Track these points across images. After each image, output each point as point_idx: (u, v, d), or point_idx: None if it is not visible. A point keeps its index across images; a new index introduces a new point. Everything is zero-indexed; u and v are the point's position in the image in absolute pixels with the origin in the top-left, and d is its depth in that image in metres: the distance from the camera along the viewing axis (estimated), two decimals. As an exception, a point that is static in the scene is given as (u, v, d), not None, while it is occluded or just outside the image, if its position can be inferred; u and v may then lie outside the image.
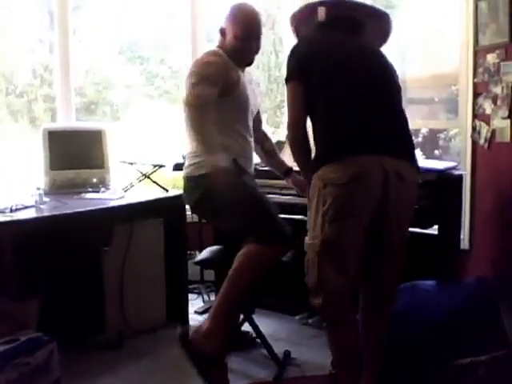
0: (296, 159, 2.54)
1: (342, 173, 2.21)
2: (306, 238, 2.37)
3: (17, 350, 2.44)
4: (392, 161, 2.26)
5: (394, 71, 2.53)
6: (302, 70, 2.41)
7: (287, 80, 2.47)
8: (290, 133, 2.47)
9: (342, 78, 2.35)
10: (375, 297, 2.49)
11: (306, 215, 2.45)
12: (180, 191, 3.58)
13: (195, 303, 3.91)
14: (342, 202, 2.23)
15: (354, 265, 2.31)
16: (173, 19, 6.75)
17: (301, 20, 2.73)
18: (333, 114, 2.33)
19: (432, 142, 5.45)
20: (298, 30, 2.79)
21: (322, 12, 2.58)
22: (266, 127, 3.49)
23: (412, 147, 2.43)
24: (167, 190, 3.57)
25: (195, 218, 3.99)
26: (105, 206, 3.12)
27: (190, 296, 3.85)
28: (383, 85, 2.41)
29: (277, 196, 3.39)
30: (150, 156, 4.07)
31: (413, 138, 2.52)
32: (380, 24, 2.69)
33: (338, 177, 2.21)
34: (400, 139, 2.38)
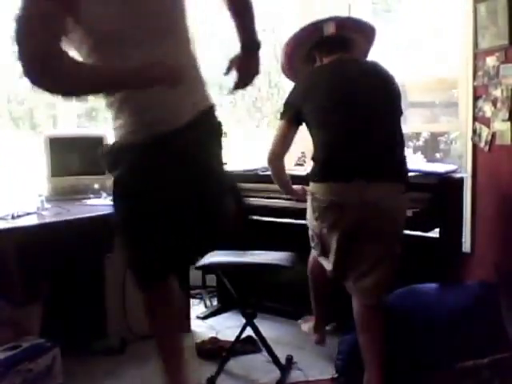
0: (276, 183, 2.90)
1: (324, 197, 2.47)
2: None
3: (19, 356, 2.45)
4: (372, 187, 2.42)
5: (391, 84, 2.64)
6: (294, 111, 2.66)
7: (280, 118, 2.74)
8: (270, 167, 2.81)
9: (331, 109, 2.54)
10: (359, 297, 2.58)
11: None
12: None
13: (197, 308, 3.91)
14: (324, 218, 2.50)
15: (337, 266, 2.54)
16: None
17: (291, 58, 2.87)
18: (322, 138, 2.56)
19: (433, 145, 5.45)
20: (292, 73, 2.95)
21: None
22: (267, 131, 3.47)
23: (399, 168, 2.55)
24: (168, 196, 3.56)
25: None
26: (106, 212, 3.12)
27: (192, 301, 3.85)
28: (368, 110, 2.52)
29: (280, 201, 3.35)
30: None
31: (405, 156, 2.65)
32: (366, 37, 2.87)
33: (320, 199, 2.49)
34: (384, 163, 2.49)
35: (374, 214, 2.42)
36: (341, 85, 2.59)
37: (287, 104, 2.72)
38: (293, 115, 2.67)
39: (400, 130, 2.61)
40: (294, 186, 2.96)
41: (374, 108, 2.55)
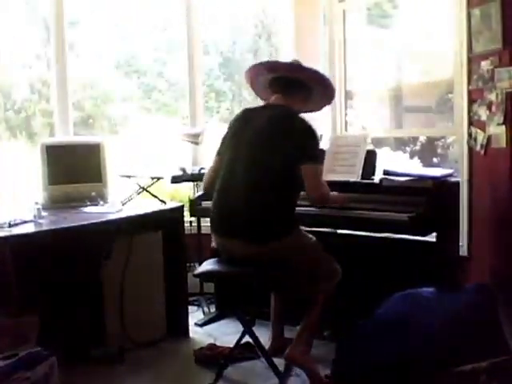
0: None
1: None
2: None
3: (16, 364, 2.44)
4: (231, 243, 2.81)
5: (293, 137, 2.81)
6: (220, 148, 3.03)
7: None
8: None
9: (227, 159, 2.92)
10: None
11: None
12: (178, 203, 3.61)
13: (195, 315, 3.90)
14: None
15: None
16: (169, 32, 6.79)
17: (252, 84, 3.19)
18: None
19: (430, 149, 5.46)
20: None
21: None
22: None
23: (259, 225, 2.75)
24: (165, 203, 3.57)
25: (194, 230, 4.00)
26: (103, 220, 3.13)
27: (190, 308, 3.84)
28: (249, 170, 2.80)
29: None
30: (148, 169, 4.08)
31: (273, 216, 2.79)
32: (324, 89, 3.06)
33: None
34: (244, 221, 2.76)
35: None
36: (238, 133, 2.95)
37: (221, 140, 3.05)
38: (219, 150, 3.04)
39: (288, 187, 2.80)
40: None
41: (251, 164, 2.80)
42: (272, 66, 3.05)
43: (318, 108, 3.28)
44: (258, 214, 2.75)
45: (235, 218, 2.78)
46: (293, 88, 2.98)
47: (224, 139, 3.02)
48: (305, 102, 3.04)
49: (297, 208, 2.91)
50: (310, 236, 2.99)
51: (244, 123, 2.96)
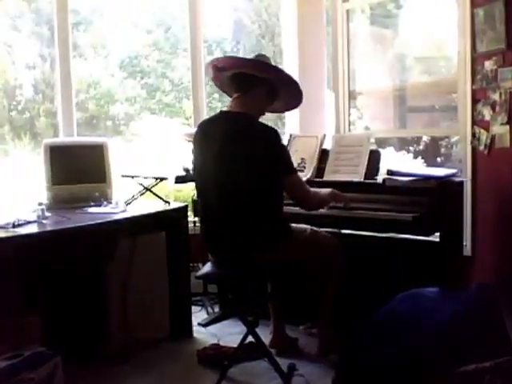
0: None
1: None
2: None
3: (21, 365, 2.44)
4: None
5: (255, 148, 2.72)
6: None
7: None
8: None
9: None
10: None
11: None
12: (182, 203, 3.61)
13: (199, 315, 3.90)
14: None
15: None
16: (172, 33, 6.80)
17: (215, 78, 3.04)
18: None
19: (434, 149, 5.46)
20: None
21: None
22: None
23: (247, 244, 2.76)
24: (169, 203, 3.58)
25: (197, 230, 4.00)
26: (107, 220, 3.13)
27: (194, 308, 3.84)
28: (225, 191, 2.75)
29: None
30: (151, 169, 4.08)
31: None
32: (293, 90, 2.93)
33: None
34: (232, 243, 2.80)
35: None
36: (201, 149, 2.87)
37: None
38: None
39: (266, 200, 2.77)
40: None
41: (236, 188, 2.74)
42: (232, 63, 2.89)
43: (284, 109, 3.25)
44: (241, 234, 2.76)
45: (224, 242, 2.83)
46: (253, 85, 2.83)
47: (193, 161, 3.00)
48: (267, 101, 2.91)
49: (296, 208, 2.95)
50: (304, 228, 3.02)
51: (203, 140, 2.86)
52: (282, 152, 2.80)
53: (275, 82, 2.87)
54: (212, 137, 2.80)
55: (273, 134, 2.75)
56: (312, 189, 2.93)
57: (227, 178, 2.74)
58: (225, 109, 2.97)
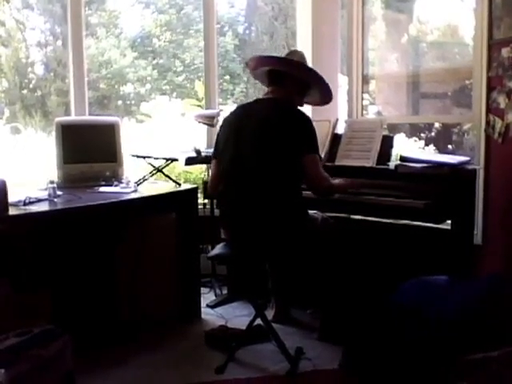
0: None
1: None
2: None
3: (30, 341, 2.45)
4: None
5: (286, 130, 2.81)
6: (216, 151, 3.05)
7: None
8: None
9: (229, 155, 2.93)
10: None
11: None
12: (192, 185, 3.60)
13: (207, 297, 3.92)
14: None
15: None
16: (185, 14, 6.75)
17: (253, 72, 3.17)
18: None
19: (445, 136, 5.42)
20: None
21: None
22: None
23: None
24: (180, 184, 3.58)
25: (207, 212, 4.01)
26: (118, 200, 3.13)
27: (202, 290, 3.86)
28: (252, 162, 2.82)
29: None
30: (162, 150, 4.08)
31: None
32: (324, 89, 3.10)
33: None
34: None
35: None
36: (235, 129, 2.93)
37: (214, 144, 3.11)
38: (215, 153, 3.07)
39: (293, 179, 2.84)
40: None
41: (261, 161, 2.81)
42: (274, 61, 3.09)
43: (315, 104, 3.34)
44: (264, 212, 2.81)
45: (246, 219, 2.85)
46: (284, 80, 2.99)
47: (219, 140, 3.04)
48: (298, 95, 3.06)
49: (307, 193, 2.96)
50: (315, 216, 3.09)
51: (239, 122, 2.95)
52: (311, 133, 2.87)
53: (306, 78, 3.05)
54: (249, 118, 2.90)
55: (306, 118, 2.89)
56: None
57: (263, 158, 2.81)
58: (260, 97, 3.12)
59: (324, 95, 3.16)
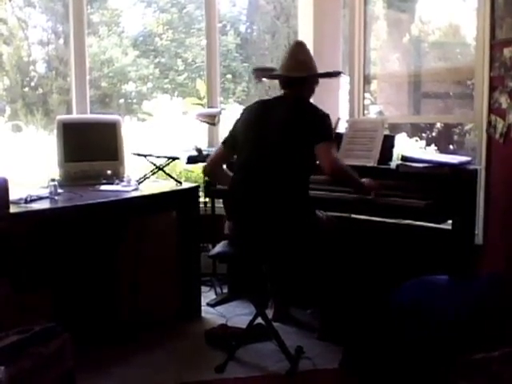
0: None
1: None
2: None
3: (30, 339, 2.45)
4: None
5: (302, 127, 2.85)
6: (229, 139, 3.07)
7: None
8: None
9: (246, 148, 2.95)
10: None
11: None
12: (193, 184, 3.60)
13: (208, 296, 3.92)
14: None
15: None
16: (187, 13, 6.76)
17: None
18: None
19: (446, 136, 5.42)
20: None
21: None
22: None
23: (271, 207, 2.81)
24: (181, 183, 3.58)
25: (208, 211, 4.00)
26: (119, 198, 3.14)
27: (203, 288, 3.85)
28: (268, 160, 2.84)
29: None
30: (163, 148, 4.08)
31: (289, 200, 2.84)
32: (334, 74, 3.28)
33: None
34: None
35: None
36: (255, 125, 2.97)
37: (229, 132, 3.09)
38: (227, 140, 3.08)
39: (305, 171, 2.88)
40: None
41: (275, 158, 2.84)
42: (282, 78, 3.09)
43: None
44: (279, 205, 2.81)
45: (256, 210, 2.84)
46: (299, 83, 3.02)
47: (236, 132, 3.04)
48: (310, 87, 3.10)
49: (311, 191, 2.95)
50: (321, 215, 3.10)
51: (260, 121, 2.97)
52: (327, 124, 2.91)
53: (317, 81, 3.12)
54: (270, 114, 2.95)
55: (323, 112, 2.93)
56: None
57: (281, 156, 2.84)
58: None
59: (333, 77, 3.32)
